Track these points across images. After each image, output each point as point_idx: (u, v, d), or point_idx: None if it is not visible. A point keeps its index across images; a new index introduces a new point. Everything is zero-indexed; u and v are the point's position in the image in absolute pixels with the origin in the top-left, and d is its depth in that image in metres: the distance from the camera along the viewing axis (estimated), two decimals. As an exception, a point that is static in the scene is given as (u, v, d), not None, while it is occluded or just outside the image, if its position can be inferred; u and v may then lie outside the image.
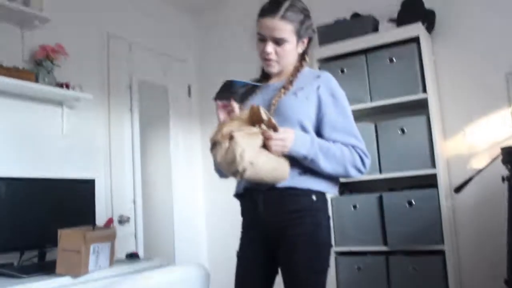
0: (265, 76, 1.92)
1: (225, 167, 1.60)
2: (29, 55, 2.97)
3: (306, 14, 1.80)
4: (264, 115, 1.59)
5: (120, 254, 2.90)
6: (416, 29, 3.04)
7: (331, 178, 1.77)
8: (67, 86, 3.00)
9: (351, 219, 3.07)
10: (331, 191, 1.80)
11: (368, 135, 3.10)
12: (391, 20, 3.26)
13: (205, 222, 4.10)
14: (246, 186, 1.79)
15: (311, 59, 3.37)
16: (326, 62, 3.37)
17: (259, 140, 1.60)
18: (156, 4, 4.09)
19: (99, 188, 3.14)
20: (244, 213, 1.89)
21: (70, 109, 3.17)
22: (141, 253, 3.40)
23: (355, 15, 3.41)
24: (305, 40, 1.83)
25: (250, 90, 1.85)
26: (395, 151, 3.02)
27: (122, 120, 3.57)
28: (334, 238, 3.11)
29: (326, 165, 1.68)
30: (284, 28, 1.73)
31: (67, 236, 2.29)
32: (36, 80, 2.85)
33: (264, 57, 1.80)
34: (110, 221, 2.64)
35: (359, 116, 3.33)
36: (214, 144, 1.63)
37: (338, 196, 3.22)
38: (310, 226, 1.71)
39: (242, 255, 1.86)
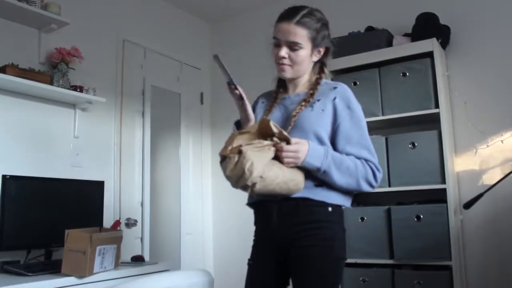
0: (281, 86, 1.92)
1: (235, 181, 1.60)
2: (46, 57, 3.02)
3: (323, 23, 1.80)
4: (274, 128, 1.60)
5: (126, 256, 2.91)
6: (430, 44, 3.04)
7: (346, 191, 1.75)
8: (81, 89, 3.04)
9: (358, 231, 3.05)
10: (346, 204, 1.79)
11: (379, 148, 3.08)
12: (406, 35, 3.26)
13: (212, 228, 4.10)
14: (260, 195, 1.77)
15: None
16: (339, 74, 3.37)
17: (270, 152, 1.60)
18: (172, 11, 4.13)
19: (108, 190, 3.17)
20: (257, 222, 1.87)
21: (83, 112, 3.21)
22: (146, 257, 3.41)
23: (369, 29, 3.41)
24: (322, 50, 1.82)
25: (270, 101, 1.89)
26: (405, 165, 3.00)
27: (133, 124, 3.60)
28: (340, 249, 3.09)
29: (339, 178, 1.67)
30: (299, 32, 1.73)
31: (73, 237, 2.31)
32: (51, 82, 2.89)
33: (278, 62, 1.80)
34: (117, 224, 2.66)
35: (370, 128, 3.29)
36: (224, 158, 1.63)
37: (346, 208, 3.20)
38: (324, 238, 1.69)
39: (253, 264, 1.84)
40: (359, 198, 3.23)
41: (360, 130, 1.75)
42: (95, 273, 2.34)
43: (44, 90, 2.85)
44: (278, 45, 1.79)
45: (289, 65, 1.79)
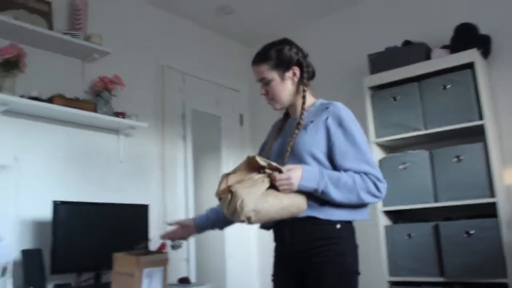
0: (287, 114, 2.02)
1: (232, 218, 1.70)
2: (89, 86, 3.12)
3: (287, 48, 1.89)
4: (261, 162, 1.69)
5: (173, 278, 2.93)
6: (471, 55, 2.98)
7: (354, 206, 1.77)
8: (123, 115, 3.12)
9: (405, 249, 2.98)
10: (358, 218, 1.81)
11: (423, 163, 3.04)
12: (444, 47, 3.21)
13: (257, 247, 4.09)
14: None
15: (361, 87, 3.38)
16: (378, 90, 3.35)
17: (264, 185, 1.69)
18: (209, 36, 4.21)
19: (153, 213, 3.21)
20: (275, 240, 1.94)
21: (126, 137, 3.29)
22: (193, 278, 3.42)
23: (407, 43, 3.38)
24: (295, 71, 1.89)
25: (277, 128, 2.01)
26: (451, 179, 2.93)
27: (175, 148, 3.65)
28: (388, 267, 3.04)
29: (337, 195, 1.71)
30: (261, 69, 1.87)
31: (121, 260, 2.33)
32: (95, 110, 2.98)
33: (266, 99, 1.94)
34: (163, 246, 2.66)
35: (412, 144, 3.29)
36: (219, 199, 1.74)
37: (392, 224, 3.15)
38: (334, 254, 1.74)
39: (276, 280, 1.93)
40: (404, 215, 3.18)
41: (355, 145, 1.77)
42: (143, 296, 2.35)
43: (89, 118, 2.95)
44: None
45: (271, 99, 1.91)
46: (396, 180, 3.10)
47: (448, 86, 3.03)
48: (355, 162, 1.76)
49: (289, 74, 1.88)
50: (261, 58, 1.88)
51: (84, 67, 3.15)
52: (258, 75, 1.89)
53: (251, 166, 1.73)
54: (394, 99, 3.22)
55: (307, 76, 1.91)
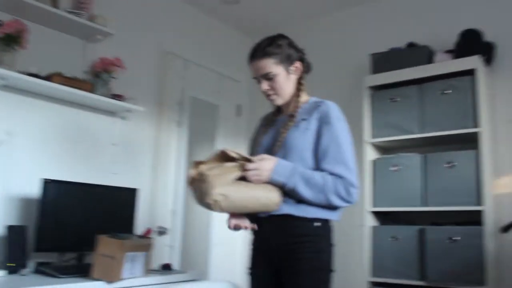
0: (278, 110, 2.03)
1: (200, 202, 1.73)
2: (89, 66, 3.12)
3: (285, 44, 1.90)
4: (233, 153, 1.73)
5: (155, 264, 2.95)
6: (473, 61, 2.96)
7: (327, 206, 1.80)
8: (121, 98, 3.13)
9: (390, 250, 2.99)
10: (332, 217, 1.84)
11: (414, 167, 3.03)
12: (448, 52, 3.18)
13: (242, 237, 4.11)
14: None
15: (360, 86, 3.37)
16: (377, 90, 3.34)
17: (235, 173, 1.72)
18: (214, 24, 4.21)
19: (142, 198, 3.23)
20: (254, 233, 1.96)
21: (122, 120, 3.30)
22: (176, 265, 3.45)
23: (411, 45, 3.36)
24: (297, 66, 1.92)
25: (266, 124, 2.02)
26: (441, 185, 2.93)
27: (171, 134, 3.66)
28: (370, 268, 3.05)
29: (307, 193, 1.74)
30: (266, 63, 1.86)
31: (104, 242, 2.36)
32: (93, 90, 2.99)
33: (265, 95, 1.93)
34: (148, 232, 2.70)
35: (406, 146, 3.28)
36: (191, 189, 1.79)
37: (378, 225, 3.15)
38: (311, 252, 1.78)
39: (252, 272, 1.95)
40: (392, 216, 3.18)
41: (338, 145, 1.79)
42: (124, 279, 2.38)
43: (86, 98, 2.95)
44: (259, 81, 1.92)
45: (274, 94, 1.91)
46: (386, 182, 3.11)
47: (448, 92, 3.02)
48: (332, 163, 1.78)
49: (292, 68, 1.91)
50: (264, 53, 1.87)
51: (86, 48, 3.15)
52: (261, 70, 1.87)
53: (224, 159, 1.76)
54: (393, 100, 3.21)
55: (306, 71, 1.96)
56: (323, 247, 1.81)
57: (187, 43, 3.89)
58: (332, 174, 1.76)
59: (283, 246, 1.80)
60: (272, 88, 1.89)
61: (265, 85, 1.90)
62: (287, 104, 1.95)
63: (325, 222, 1.83)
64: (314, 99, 1.95)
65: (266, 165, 1.74)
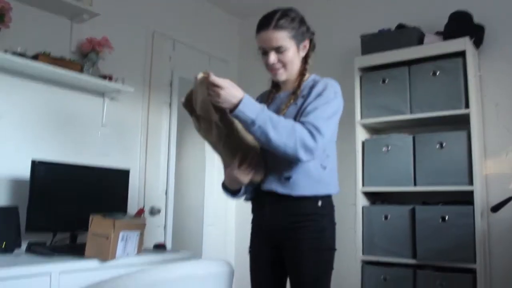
0: (275, 87, 1.99)
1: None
2: (76, 46, 3.07)
3: (299, 20, 1.86)
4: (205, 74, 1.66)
5: (149, 244, 2.95)
6: (463, 43, 2.98)
7: (324, 179, 1.79)
8: (110, 78, 3.08)
9: (381, 229, 3.03)
10: (331, 191, 1.84)
11: (406, 147, 3.06)
12: (438, 33, 3.20)
13: (235, 219, 4.13)
14: (257, 190, 1.87)
15: (351, 68, 3.37)
16: (367, 72, 3.34)
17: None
18: (202, 4, 4.15)
19: (133, 178, 3.21)
20: (253, 211, 1.96)
21: (111, 101, 3.26)
22: (169, 245, 3.45)
23: (400, 26, 3.36)
24: (306, 44, 1.89)
25: (264, 101, 1.96)
26: (432, 165, 2.96)
27: (160, 115, 3.63)
28: (362, 246, 3.09)
29: (275, 136, 1.62)
30: (280, 36, 1.80)
31: (97, 222, 2.35)
32: (81, 71, 2.94)
33: (270, 68, 1.87)
34: (140, 211, 2.69)
35: (397, 127, 3.30)
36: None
37: (370, 205, 3.18)
38: (314, 230, 1.77)
39: (253, 252, 1.95)
40: (384, 196, 3.22)
41: (319, 107, 1.73)
42: (117, 258, 2.37)
43: (75, 79, 2.90)
44: (265, 53, 1.85)
45: (281, 68, 1.85)
46: (378, 162, 3.13)
47: (438, 73, 3.04)
48: (306, 115, 1.72)
49: (302, 46, 1.87)
50: (278, 25, 1.79)
51: (72, 27, 3.09)
52: (273, 42, 1.80)
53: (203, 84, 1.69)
54: (383, 81, 3.22)
55: (312, 50, 1.93)
56: (326, 226, 1.81)
57: (175, 23, 3.85)
58: (301, 123, 1.70)
59: (285, 226, 1.79)
60: (280, 61, 1.84)
61: (273, 58, 1.83)
62: (287, 81, 1.92)
63: (327, 199, 1.82)
64: (313, 76, 1.92)
65: (234, 90, 1.63)
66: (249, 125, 1.63)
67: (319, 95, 1.78)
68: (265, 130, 1.62)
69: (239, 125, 1.73)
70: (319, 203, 1.78)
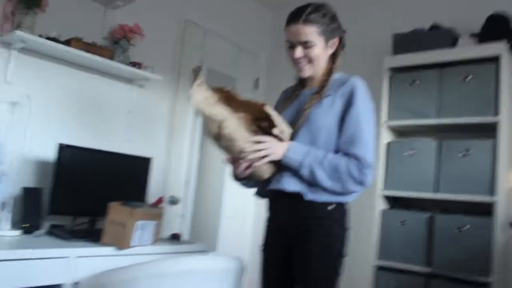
0: (301, 84, 1.97)
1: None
2: (108, 32, 3.12)
3: (330, 16, 1.83)
4: (270, 111, 1.72)
5: (167, 233, 3.00)
6: (499, 47, 2.87)
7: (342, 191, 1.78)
8: (139, 66, 3.13)
9: (397, 235, 2.99)
10: (345, 200, 1.82)
11: (429, 152, 2.99)
12: (472, 35, 3.10)
13: (253, 213, 4.15)
14: (270, 187, 1.86)
15: (380, 67, 3.31)
16: (397, 72, 3.27)
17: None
18: (236, -5, 4.15)
19: (156, 166, 3.27)
20: (269, 211, 1.96)
21: (139, 88, 3.32)
22: (186, 235, 3.51)
23: (434, 27, 3.27)
24: (335, 41, 1.86)
25: (288, 97, 1.96)
26: (454, 173, 2.89)
27: (187, 105, 3.66)
28: (377, 251, 3.06)
29: (322, 175, 1.71)
30: (309, 30, 1.78)
31: (115, 209, 2.41)
32: (112, 57, 2.99)
33: (296, 63, 1.85)
34: (160, 201, 2.73)
35: (423, 131, 3.23)
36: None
37: (388, 209, 3.15)
38: (324, 234, 1.76)
39: (265, 250, 1.95)
40: (402, 201, 3.17)
41: (357, 124, 1.75)
42: (133, 247, 2.44)
43: (105, 65, 2.96)
44: (292, 47, 1.83)
45: (307, 63, 1.83)
46: (400, 166, 3.08)
47: (469, 77, 2.95)
48: (349, 142, 1.75)
49: (331, 43, 1.85)
50: (309, 19, 1.77)
51: (106, 13, 3.14)
52: (302, 36, 1.78)
53: (256, 111, 1.74)
54: (412, 83, 3.15)
55: (342, 49, 1.90)
56: (336, 231, 1.79)
57: (207, 12, 3.85)
58: (347, 154, 1.73)
59: (296, 226, 1.79)
60: (307, 57, 1.82)
61: (299, 52, 1.81)
62: (312, 78, 1.89)
63: (341, 205, 1.81)
64: (339, 75, 1.89)
65: (279, 145, 1.75)
66: (297, 168, 1.75)
67: (351, 104, 1.77)
68: (313, 171, 1.73)
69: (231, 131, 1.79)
70: (330, 207, 1.77)
